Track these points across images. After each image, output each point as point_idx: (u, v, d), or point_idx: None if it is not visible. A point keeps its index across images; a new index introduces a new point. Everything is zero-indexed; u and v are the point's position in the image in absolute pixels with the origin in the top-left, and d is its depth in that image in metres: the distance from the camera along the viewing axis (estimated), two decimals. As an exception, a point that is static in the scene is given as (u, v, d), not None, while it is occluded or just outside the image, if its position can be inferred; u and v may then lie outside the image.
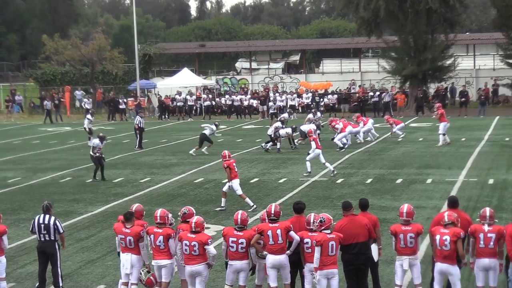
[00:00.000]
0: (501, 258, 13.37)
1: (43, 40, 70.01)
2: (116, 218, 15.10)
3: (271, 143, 35.95)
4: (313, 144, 28.46)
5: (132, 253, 14.14)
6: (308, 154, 28.90)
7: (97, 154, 28.95)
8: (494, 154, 33.36)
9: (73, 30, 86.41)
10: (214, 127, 36.19)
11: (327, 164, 28.48)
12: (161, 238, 13.89)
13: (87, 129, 41.78)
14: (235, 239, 13.66)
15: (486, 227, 13.34)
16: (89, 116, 42.87)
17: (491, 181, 26.29)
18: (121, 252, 14.35)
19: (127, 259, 14.20)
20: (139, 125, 38.57)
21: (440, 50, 58.81)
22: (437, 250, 13.34)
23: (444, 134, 36.47)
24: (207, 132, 35.45)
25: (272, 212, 13.81)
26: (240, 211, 14.03)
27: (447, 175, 27.78)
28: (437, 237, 13.33)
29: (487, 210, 13.57)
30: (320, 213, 13.91)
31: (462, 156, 32.44)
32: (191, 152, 35.19)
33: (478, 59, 69.44)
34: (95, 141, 29.43)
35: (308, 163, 28.74)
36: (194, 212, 14.38)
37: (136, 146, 38.58)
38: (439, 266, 13.36)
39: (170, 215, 14.25)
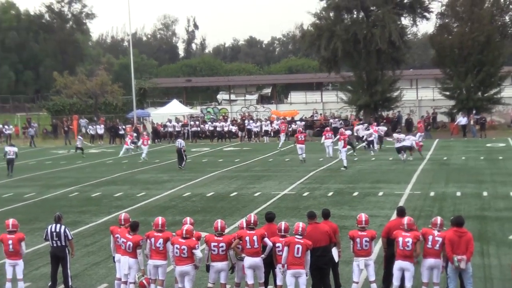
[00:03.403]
0: (443, 260, 13.34)
1: (54, 76, 70.02)
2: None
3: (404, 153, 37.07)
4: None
5: (130, 256, 14.05)
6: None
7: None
8: (435, 171, 33.51)
9: (80, 68, 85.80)
10: None
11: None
12: (161, 240, 13.82)
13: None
14: (216, 244, 13.62)
15: (436, 232, 13.32)
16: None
17: (432, 194, 26.37)
18: (120, 255, 14.25)
19: (125, 261, 14.10)
20: (181, 146, 37.19)
21: (388, 84, 59.31)
22: (399, 250, 13.30)
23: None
24: None
25: (252, 221, 13.77)
26: (219, 220, 13.96)
27: (396, 189, 27.83)
28: (400, 239, 13.30)
29: (438, 219, 13.51)
30: (289, 221, 13.91)
31: (408, 173, 32.56)
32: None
33: (420, 91, 69.98)
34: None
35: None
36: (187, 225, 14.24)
37: (182, 165, 36.90)
38: (399, 263, 13.33)
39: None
